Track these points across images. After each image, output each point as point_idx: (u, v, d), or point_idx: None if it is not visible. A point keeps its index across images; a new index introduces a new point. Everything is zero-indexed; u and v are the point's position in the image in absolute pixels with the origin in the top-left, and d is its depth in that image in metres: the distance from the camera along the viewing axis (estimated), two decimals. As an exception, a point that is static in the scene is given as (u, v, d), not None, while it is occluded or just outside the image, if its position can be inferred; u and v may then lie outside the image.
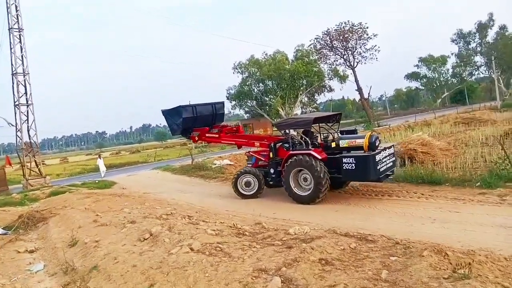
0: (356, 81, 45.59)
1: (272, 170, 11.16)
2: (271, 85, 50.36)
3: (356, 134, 11.24)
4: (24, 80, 21.38)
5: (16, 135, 21.10)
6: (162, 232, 6.20)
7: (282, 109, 48.74)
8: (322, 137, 11.60)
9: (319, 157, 9.93)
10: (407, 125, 31.51)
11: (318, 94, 53.54)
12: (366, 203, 9.36)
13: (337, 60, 46.82)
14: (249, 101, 52.90)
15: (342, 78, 47.74)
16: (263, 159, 11.72)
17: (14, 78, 21.33)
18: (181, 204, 11.30)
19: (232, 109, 55.74)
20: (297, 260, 4.34)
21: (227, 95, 52.39)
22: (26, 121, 21.00)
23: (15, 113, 21.21)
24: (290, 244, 5.13)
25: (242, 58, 59.98)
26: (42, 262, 6.75)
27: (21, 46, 21.72)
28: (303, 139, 10.82)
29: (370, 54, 44.81)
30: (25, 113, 21.10)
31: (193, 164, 19.39)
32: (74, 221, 8.72)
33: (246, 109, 55.53)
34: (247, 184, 11.47)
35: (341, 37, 44.47)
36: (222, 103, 14.31)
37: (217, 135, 12.99)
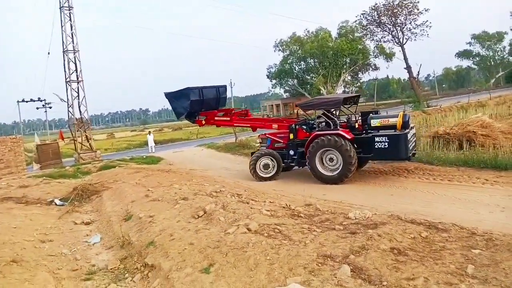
0: (405, 58, 43.35)
1: (292, 152, 11.16)
2: (313, 63, 49.20)
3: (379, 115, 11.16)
4: (75, 58, 22.04)
5: (68, 110, 21.98)
6: (216, 210, 6.10)
7: (324, 88, 47.59)
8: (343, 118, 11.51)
9: (348, 137, 10.03)
10: (459, 106, 29.73)
11: (362, 72, 51.77)
12: (424, 188, 8.84)
13: (384, 37, 44.62)
14: (290, 79, 52.11)
15: (389, 56, 45.67)
16: (281, 141, 11.57)
17: (65, 55, 22.03)
18: (227, 181, 11.25)
19: (272, 87, 55.28)
20: (365, 248, 4.05)
21: (268, 73, 51.88)
22: (77, 97, 21.77)
23: (67, 90, 22.02)
24: (352, 229, 4.85)
25: (284, 36, 58.69)
26: (98, 234, 6.90)
27: (71, 24, 22.31)
28: (331, 119, 10.78)
29: (420, 30, 42.31)
30: (76, 90, 21.84)
31: (237, 142, 19.39)
32: (127, 195, 8.88)
33: (286, 87, 54.80)
34: (266, 166, 11.31)
35: (389, 12, 42.18)
36: (225, 86, 14.14)
37: (228, 118, 12.74)
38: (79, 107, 21.90)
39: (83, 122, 21.95)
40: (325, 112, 11.16)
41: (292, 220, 5.60)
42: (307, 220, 5.69)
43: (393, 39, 44.01)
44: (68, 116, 22.37)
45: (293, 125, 11.40)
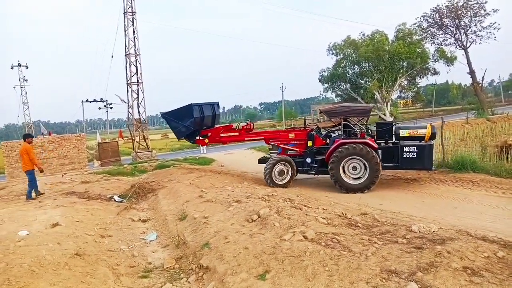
0: (469, 63, 40.77)
1: (309, 160, 10.98)
2: (367, 67, 47.76)
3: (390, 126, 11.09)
4: (136, 61, 23.09)
5: (128, 111, 23.05)
6: (270, 215, 6.00)
7: (378, 92, 46.04)
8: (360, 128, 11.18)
9: (376, 146, 10.18)
10: (529, 114, 27.42)
11: (420, 77, 49.25)
12: (492, 202, 8.17)
13: (446, 40, 42.27)
14: (342, 83, 50.98)
15: (450, 60, 43.11)
16: (296, 149, 11.34)
17: (127, 58, 23.16)
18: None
19: (323, 91, 54.37)
20: (434, 265, 3.74)
21: (320, 77, 51.13)
22: (137, 99, 22.77)
23: (127, 91, 23.12)
24: (417, 244, 4.52)
25: (338, 39, 57.72)
26: (154, 232, 7.06)
27: (133, 29, 23.43)
28: (359, 128, 10.80)
29: (487, 33, 39.56)
30: (136, 91, 22.87)
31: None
32: (181, 195, 9.05)
33: (339, 92, 53.65)
34: (281, 173, 10.95)
35: (452, 14, 39.91)
36: (218, 103, 13.56)
37: (237, 133, 12.15)
38: (138, 108, 22.93)
39: (141, 123, 22.92)
40: (350, 120, 10.99)
41: (350, 230, 5.35)
42: (366, 230, 5.42)
43: (455, 42, 41.60)
44: (128, 116, 23.47)
45: (312, 133, 11.29)
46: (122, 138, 26.51)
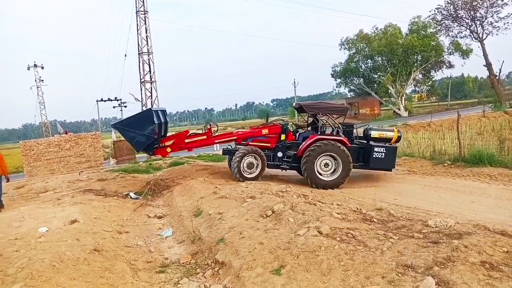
0: (485, 55, 39.94)
1: (280, 154, 10.78)
2: (380, 62, 47.31)
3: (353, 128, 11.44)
4: (149, 59, 23.32)
5: (142, 109, 23.27)
6: (285, 210, 6.02)
7: (392, 87, 45.59)
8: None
9: (349, 145, 10.47)
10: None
11: (434, 70, 48.61)
12: (511, 195, 8.02)
13: (461, 32, 41.47)
14: (356, 78, 50.58)
15: (465, 53, 42.37)
16: (266, 142, 10.96)
17: (140, 57, 23.39)
18: (292, 182, 11.14)
19: (336, 87, 54.02)
20: (451, 260, 3.71)
21: (332, 72, 50.82)
22: (150, 97, 23.01)
23: (141, 90, 23.37)
24: (434, 238, 4.48)
25: (350, 34, 57.16)
26: (170, 228, 7.16)
27: (146, 28, 23.65)
28: (336, 125, 10.91)
29: (504, 24, 38.66)
30: (149, 90, 23.10)
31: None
32: (196, 192, 9.13)
33: (352, 87, 53.23)
34: (250, 165, 10.44)
35: (467, 6, 39.09)
36: (165, 110, 12.62)
37: (204, 137, 11.21)
38: (152, 106, 23.13)
39: (154, 121, 23.14)
40: (330, 117, 11.10)
41: (365, 225, 5.34)
42: (381, 225, 5.39)
43: (471, 34, 40.79)
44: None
45: (288, 126, 11.20)
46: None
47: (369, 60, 48.38)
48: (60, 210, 7.90)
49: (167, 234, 6.82)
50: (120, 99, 41.59)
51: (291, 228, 5.29)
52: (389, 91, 45.93)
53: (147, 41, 23.30)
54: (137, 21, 23.41)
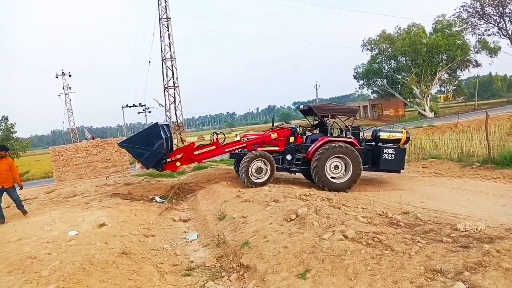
0: (514, 52, 38.60)
1: (289, 156, 10.61)
2: (404, 62, 46.45)
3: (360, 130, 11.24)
4: (172, 65, 23.69)
5: (166, 114, 23.71)
6: (309, 214, 5.99)
7: (417, 87, 44.65)
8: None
9: (359, 146, 10.47)
10: None
11: (461, 70, 47.30)
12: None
13: (488, 30, 40.27)
14: (379, 79, 49.84)
15: (493, 51, 41.07)
16: (275, 145, 10.84)
17: (163, 63, 23.81)
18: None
19: (359, 88, 53.38)
20: (483, 265, 3.60)
21: (355, 74, 50.27)
22: (174, 102, 23.38)
23: (164, 95, 23.79)
24: (463, 243, 4.36)
25: (372, 34, 56.45)
26: (195, 232, 7.24)
27: (168, 34, 24.07)
28: (345, 127, 10.85)
29: (534, 19, 37.31)
30: (173, 95, 23.48)
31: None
32: (219, 195, 9.21)
33: (375, 88, 52.47)
34: (258, 170, 10.21)
35: (496, 2, 37.92)
36: (168, 124, 12.41)
37: (213, 147, 10.94)
38: (175, 111, 23.55)
39: (178, 125, 23.51)
40: (339, 119, 11.00)
41: (392, 229, 5.25)
42: (408, 229, 5.29)
43: (499, 31, 39.56)
44: (166, 119, 24.13)
45: (297, 129, 11.12)
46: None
47: (392, 61, 47.60)
48: (89, 214, 8.12)
49: (192, 238, 6.90)
50: (145, 105, 42.53)
51: (315, 232, 5.26)
52: (414, 91, 45.01)
53: (170, 47, 23.73)
54: (160, 28, 23.90)
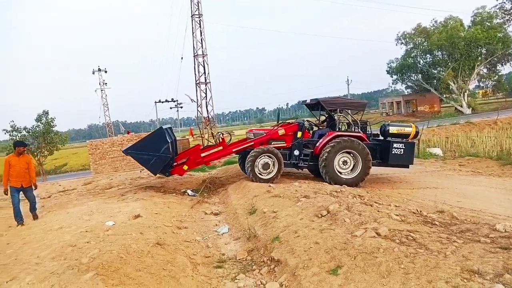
0: (562, 45, 36.43)
1: (297, 152, 10.41)
2: (440, 56, 44.87)
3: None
4: (203, 61, 23.99)
5: (197, 110, 24.07)
6: (340, 210, 5.95)
7: (454, 82, 43.09)
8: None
9: (368, 141, 10.37)
10: None
11: (501, 64, 45.20)
12: None
13: (534, 22, 38.12)
14: (413, 74, 48.41)
15: (538, 44, 38.95)
16: (282, 140, 10.68)
17: (195, 59, 24.14)
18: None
19: (392, 83, 52.07)
20: (524, 267, 3.47)
21: (388, 68, 49.07)
22: (205, 98, 23.70)
23: (196, 91, 24.15)
24: (503, 244, 4.20)
25: (407, 28, 54.78)
26: (226, 225, 7.35)
27: (200, 31, 24.36)
28: (354, 121, 10.71)
29: None
30: (204, 91, 23.79)
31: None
32: (250, 190, 9.29)
33: (409, 83, 51.01)
34: (265, 166, 10.05)
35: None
36: (171, 127, 12.19)
37: (220, 147, 10.76)
38: (206, 106, 23.86)
39: (209, 120, 23.82)
40: (348, 113, 10.87)
41: (426, 227, 5.13)
42: (444, 229, 5.15)
43: (546, 22, 37.37)
44: (197, 114, 24.53)
45: (305, 123, 10.91)
46: (193, 136, 27.74)
47: (428, 55, 46.11)
48: (124, 206, 8.42)
49: (223, 231, 7.01)
50: (177, 100, 43.34)
51: (347, 228, 5.22)
52: (450, 87, 43.46)
53: (201, 43, 24.03)
54: (192, 24, 24.22)
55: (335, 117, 10.68)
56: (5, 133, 25.27)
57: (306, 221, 5.96)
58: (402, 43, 46.30)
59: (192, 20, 24.30)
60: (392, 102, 57.11)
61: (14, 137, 24.83)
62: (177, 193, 10.71)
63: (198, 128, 24.55)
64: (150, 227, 6.50)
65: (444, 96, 46.53)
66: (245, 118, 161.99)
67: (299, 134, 10.67)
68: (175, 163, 10.55)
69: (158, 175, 11.59)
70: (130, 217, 7.15)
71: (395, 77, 48.97)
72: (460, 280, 3.46)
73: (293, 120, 11.67)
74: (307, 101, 11.60)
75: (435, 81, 45.52)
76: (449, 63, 42.51)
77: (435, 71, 45.17)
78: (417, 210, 6.39)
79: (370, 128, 11.03)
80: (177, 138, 21.34)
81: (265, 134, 10.94)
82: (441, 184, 10.08)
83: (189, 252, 5.75)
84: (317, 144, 10.37)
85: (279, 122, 11.93)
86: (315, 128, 11.47)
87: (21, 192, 8.02)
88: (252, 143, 10.72)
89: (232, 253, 5.79)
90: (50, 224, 7.22)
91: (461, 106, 43.61)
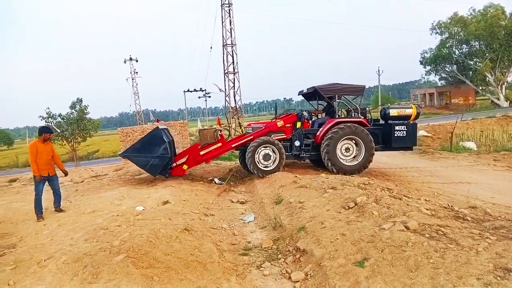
0: None
1: (298, 143, 10.33)
2: (478, 46, 42.96)
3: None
4: (232, 51, 24.00)
5: (225, 99, 24.20)
6: (368, 203, 5.87)
7: (491, 74, 41.28)
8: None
9: (369, 126, 10.27)
10: None
11: (545, 55, 42.77)
12: None
13: None
14: (448, 65, 46.67)
15: None
16: (281, 132, 10.59)
17: (224, 49, 24.20)
18: (374, 174, 10.77)
19: (425, 75, 50.39)
20: None
21: (421, 59, 47.50)
22: (233, 88, 23.76)
23: (224, 81, 24.23)
24: (540, 242, 4.03)
25: (442, 17, 52.72)
26: (252, 214, 7.42)
27: (230, 20, 24.32)
28: (354, 107, 10.60)
29: None
30: (232, 81, 23.84)
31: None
32: (276, 180, 9.30)
33: (443, 74, 49.25)
34: (266, 157, 9.88)
35: None
36: (168, 128, 11.93)
37: (219, 144, 10.58)
38: (234, 96, 23.92)
39: (237, 110, 23.92)
40: (346, 99, 10.82)
41: (458, 223, 4.98)
42: (476, 224, 4.99)
43: None
44: (225, 104, 24.67)
45: (304, 113, 10.75)
46: (220, 125, 28.04)
47: (464, 45, 44.26)
48: (154, 192, 8.63)
49: (249, 219, 7.08)
50: (205, 90, 43.71)
51: (375, 221, 5.15)
52: (487, 79, 41.65)
53: (231, 33, 24.01)
54: (222, 14, 24.22)
55: (334, 104, 10.52)
56: (41, 119, 26.27)
57: (332, 212, 5.92)
58: (437, 32, 44.65)
59: (222, 10, 24.31)
60: (425, 94, 55.37)
61: (50, 124, 25.78)
62: (204, 181, 10.87)
63: (226, 118, 24.73)
64: (178, 213, 6.65)
65: (480, 88, 44.69)
66: (272, 109, 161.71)
67: (299, 124, 10.60)
68: (174, 164, 10.54)
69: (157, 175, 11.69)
70: (159, 202, 7.33)
71: (428, 68, 47.39)
72: (493, 277, 3.35)
73: (291, 111, 11.50)
74: (303, 91, 11.46)
75: (470, 72, 43.76)
76: (487, 54, 40.68)
77: (471, 62, 43.37)
78: (448, 205, 6.21)
79: (370, 113, 10.91)
80: (206, 128, 21.62)
81: (264, 127, 10.86)
82: (474, 179, 9.75)
83: (215, 239, 5.85)
84: (317, 133, 10.29)
85: (278, 114, 11.79)
86: (314, 118, 11.41)
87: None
88: (251, 137, 10.60)
89: (257, 242, 5.84)
90: (83, 208, 7.52)
91: (498, 99, 41.77)
